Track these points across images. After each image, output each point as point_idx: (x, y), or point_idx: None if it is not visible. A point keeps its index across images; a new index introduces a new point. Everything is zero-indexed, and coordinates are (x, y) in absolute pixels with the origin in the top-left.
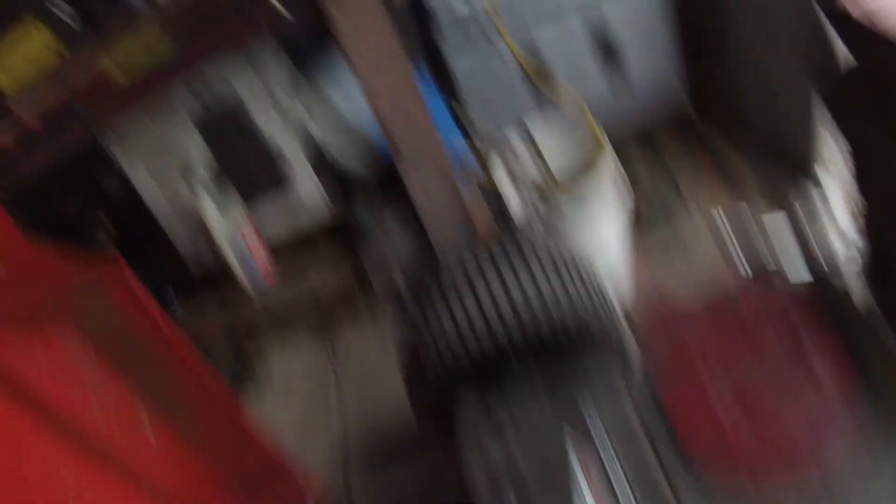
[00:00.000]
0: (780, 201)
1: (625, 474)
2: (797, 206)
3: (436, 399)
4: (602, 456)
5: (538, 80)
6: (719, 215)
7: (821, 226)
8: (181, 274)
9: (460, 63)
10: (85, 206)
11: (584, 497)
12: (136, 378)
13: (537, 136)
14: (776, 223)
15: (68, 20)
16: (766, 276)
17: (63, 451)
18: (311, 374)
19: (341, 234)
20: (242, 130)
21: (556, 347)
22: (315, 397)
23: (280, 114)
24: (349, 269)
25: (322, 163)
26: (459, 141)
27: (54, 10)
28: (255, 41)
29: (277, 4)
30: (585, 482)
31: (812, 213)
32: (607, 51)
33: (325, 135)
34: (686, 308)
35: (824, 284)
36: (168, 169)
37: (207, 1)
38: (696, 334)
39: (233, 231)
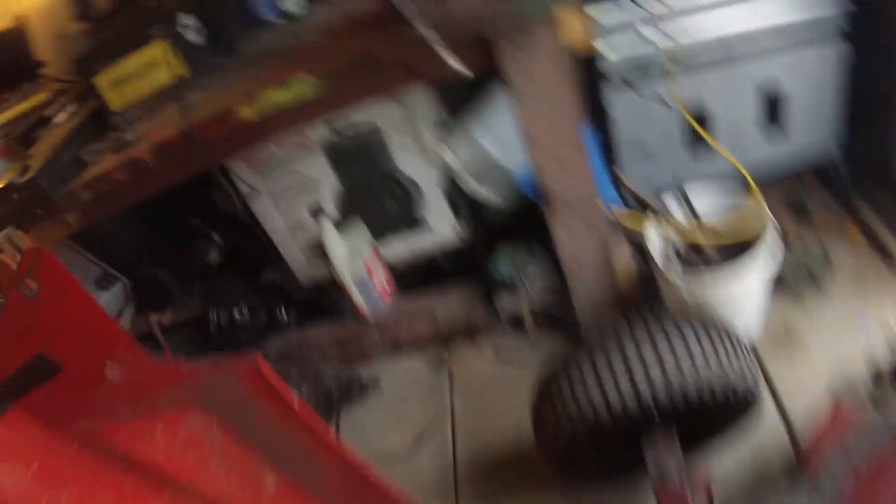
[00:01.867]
0: None
1: None
2: None
3: (566, 446)
4: None
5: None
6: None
7: None
8: (298, 295)
9: (622, 115)
10: (196, 222)
11: None
12: (262, 448)
13: (695, 200)
14: None
15: (193, 37)
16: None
17: None
18: (426, 399)
19: (467, 258)
20: (377, 164)
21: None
22: (428, 422)
23: (420, 148)
24: (471, 296)
25: (457, 192)
26: (615, 199)
27: (183, 30)
28: (411, 90)
29: (457, 65)
30: None
31: None
32: (773, 104)
33: (464, 168)
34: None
35: None
36: (293, 198)
37: (367, 45)
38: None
39: (357, 264)
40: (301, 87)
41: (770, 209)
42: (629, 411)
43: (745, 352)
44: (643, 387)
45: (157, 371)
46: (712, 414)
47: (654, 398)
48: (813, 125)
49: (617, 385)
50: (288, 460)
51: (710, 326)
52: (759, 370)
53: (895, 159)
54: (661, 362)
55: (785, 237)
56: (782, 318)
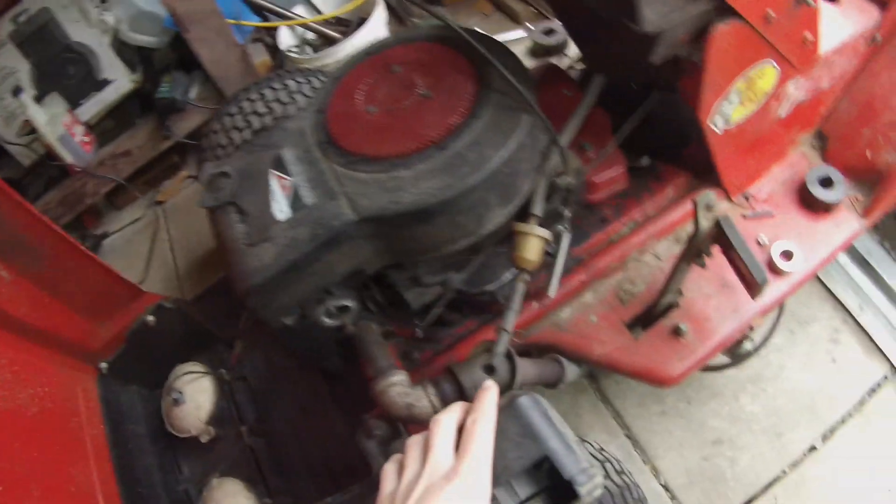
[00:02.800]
0: None
1: (304, 175)
2: None
3: None
4: (291, 170)
5: None
6: None
7: None
8: (28, 185)
9: None
10: None
11: (276, 190)
12: None
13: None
14: None
15: None
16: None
17: None
18: (147, 233)
19: (145, 97)
20: (56, 41)
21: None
22: (151, 249)
23: (85, 18)
24: (154, 128)
25: (122, 45)
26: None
27: None
28: None
29: None
30: (278, 183)
31: None
32: None
33: (124, 24)
34: (353, 57)
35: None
36: (0, 91)
37: None
38: (354, 73)
39: (56, 125)
40: None
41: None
42: (246, 140)
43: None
44: (252, 119)
45: None
46: None
47: (263, 124)
48: None
49: (234, 125)
50: (11, 248)
51: (305, 71)
52: None
53: None
54: (262, 98)
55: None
56: None
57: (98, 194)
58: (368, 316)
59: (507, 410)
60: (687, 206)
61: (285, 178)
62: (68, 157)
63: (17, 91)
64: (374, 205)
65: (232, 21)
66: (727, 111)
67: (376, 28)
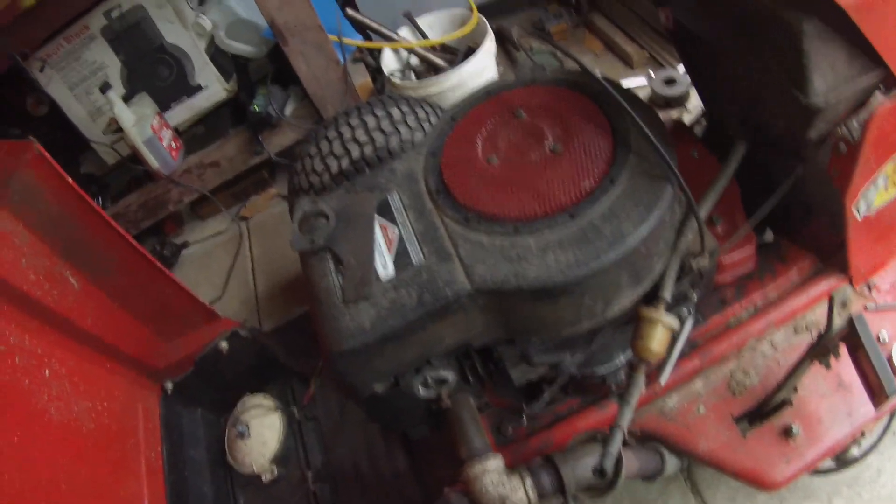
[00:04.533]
0: None
1: (412, 226)
2: None
3: None
4: (397, 218)
5: None
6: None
7: None
8: (110, 182)
9: None
10: (15, 131)
11: (379, 241)
12: (60, 243)
13: (422, 22)
14: None
15: None
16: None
17: (3, 311)
18: (228, 247)
19: (238, 108)
20: (149, 41)
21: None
22: (232, 266)
23: (181, 20)
24: (246, 141)
25: (218, 51)
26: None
27: None
28: None
29: None
30: (382, 233)
31: None
32: None
33: (220, 30)
34: (471, 96)
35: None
36: (88, 86)
37: None
38: (473, 114)
39: (144, 127)
40: None
41: (514, 32)
42: (344, 170)
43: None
44: (351, 147)
45: None
46: None
47: (362, 154)
48: None
49: (332, 151)
50: (83, 256)
51: (410, 100)
52: None
53: None
54: (364, 125)
55: (521, 49)
56: None
57: (181, 202)
58: (466, 387)
59: None
60: (811, 293)
61: (391, 228)
62: (154, 162)
63: (105, 87)
64: (494, 276)
65: (334, 38)
66: (871, 196)
67: (485, 59)
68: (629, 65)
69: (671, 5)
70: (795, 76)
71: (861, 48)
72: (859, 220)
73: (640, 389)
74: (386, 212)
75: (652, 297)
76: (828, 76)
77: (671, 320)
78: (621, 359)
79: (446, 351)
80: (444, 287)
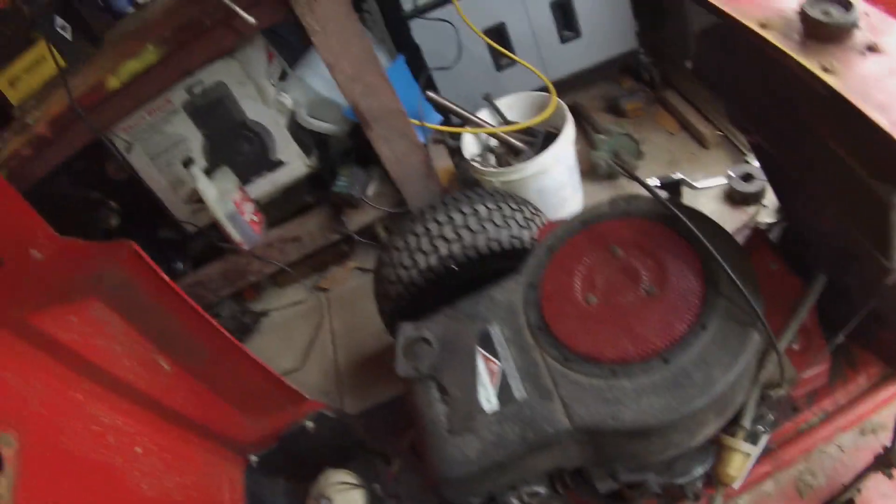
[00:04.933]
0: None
1: (514, 361)
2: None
3: (395, 309)
4: (500, 352)
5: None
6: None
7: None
8: (188, 245)
9: (427, 43)
10: (95, 194)
11: (482, 373)
12: (152, 331)
13: (501, 104)
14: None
15: (66, 35)
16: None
17: (96, 393)
18: (308, 318)
19: (319, 184)
20: (230, 116)
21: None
22: (311, 337)
23: (262, 97)
24: (327, 218)
25: (300, 129)
26: (437, 118)
27: (58, 29)
28: (234, 44)
29: (247, 17)
30: (485, 366)
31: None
32: (565, 11)
33: (302, 108)
34: (567, 224)
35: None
36: (169, 157)
37: (191, 13)
38: (570, 247)
39: (226, 202)
40: (147, 54)
41: (589, 109)
42: (432, 266)
43: (530, 208)
44: (439, 243)
45: (68, 252)
46: (501, 260)
47: (450, 251)
48: (608, 27)
49: (420, 246)
50: (174, 343)
51: (496, 194)
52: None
53: (693, 48)
54: (451, 222)
55: (597, 129)
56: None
57: (262, 273)
58: (555, 496)
59: None
60: (878, 398)
61: (493, 362)
62: (236, 236)
63: (187, 162)
64: (592, 417)
65: (416, 122)
66: None
67: (565, 147)
68: (703, 145)
69: (758, 136)
70: (880, 242)
71: None
72: None
73: None
74: (488, 344)
75: (732, 423)
76: None
77: (750, 449)
78: (699, 470)
79: (541, 473)
80: (546, 424)
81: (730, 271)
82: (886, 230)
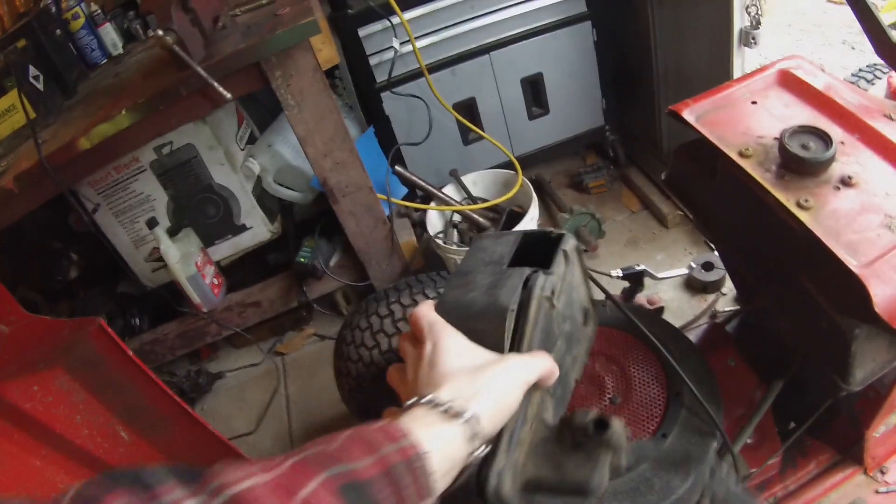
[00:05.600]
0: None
1: None
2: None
3: (356, 390)
4: None
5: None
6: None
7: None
8: (147, 302)
9: (397, 115)
10: (56, 244)
11: None
12: (115, 402)
13: (467, 180)
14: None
15: (38, 85)
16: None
17: (54, 460)
18: (263, 383)
19: (282, 251)
20: (197, 179)
21: None
22: (266, 402)
23: (230, 162)
24: (288, 284)
25: (264, 193)
26: (401, 191)
27: (31, 80)
28: (208, 112)
29: (223, 91)
30: None
31: None
32: (535, 88)
33: (268, 174)
34: None
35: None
36: (133, 215)
37: (167, 81)
38: None
39: (188, 264)
40: (121, 119)
41: (553, 185)
42: (394, 348)
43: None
44: (402, 325)
45: (34, 328)
46: None
47: None
48: (576, 104)
49: (382, 328)
50: (135, 414)
51: None
52: None
53: (662, 130)
54: (415, 304)
55: (561, 207)
56: None
57: (219, 335)
58: None
59: None
60: (827, 484)
61: None
62: (196, 298)
63: (152, 223)
64: None
65: (382, 196)
66: (892, 421)
67: (529, 226)
68: (664, 224)
69: (726, 249)
70: (839, 367)
71: None
72: (878, 437)
73: None
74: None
75: None
76: (867, 366)
77: None
78: None
79: None
80: None
81: (692, 386)
82: (846, 358)
